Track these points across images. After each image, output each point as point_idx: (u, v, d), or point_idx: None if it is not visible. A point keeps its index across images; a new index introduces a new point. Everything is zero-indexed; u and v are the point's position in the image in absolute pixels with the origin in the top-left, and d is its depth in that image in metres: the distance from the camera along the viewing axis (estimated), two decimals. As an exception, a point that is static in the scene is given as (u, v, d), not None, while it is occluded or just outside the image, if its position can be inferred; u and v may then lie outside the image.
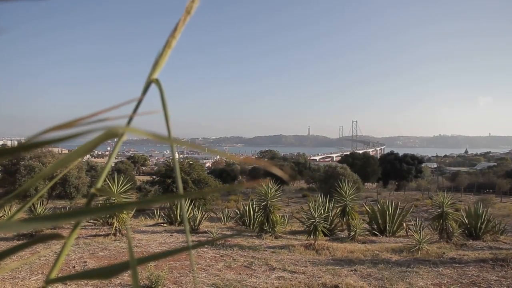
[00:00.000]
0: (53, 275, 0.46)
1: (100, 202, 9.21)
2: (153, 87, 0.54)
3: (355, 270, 6.43)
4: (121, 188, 9.33)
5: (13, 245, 0.45)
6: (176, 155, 0.50)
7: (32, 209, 11.47)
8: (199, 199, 27.94)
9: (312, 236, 8.54)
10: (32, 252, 6.93)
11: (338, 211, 10.60)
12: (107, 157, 0.57)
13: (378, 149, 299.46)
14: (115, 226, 8.90)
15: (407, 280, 5.77)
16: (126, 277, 5.70)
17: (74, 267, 6.41)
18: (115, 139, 0.48)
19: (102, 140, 0.43)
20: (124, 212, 8.98)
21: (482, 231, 9.97)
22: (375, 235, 11.05)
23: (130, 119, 0.51)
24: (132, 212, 10.15)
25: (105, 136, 0.42)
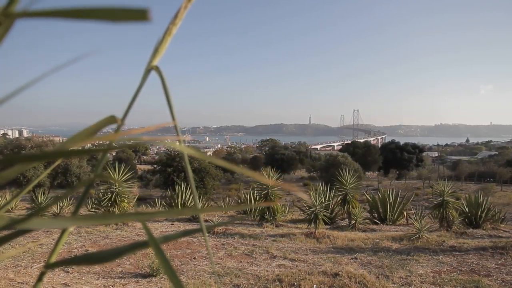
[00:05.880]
0: (53, 260, 0.46)
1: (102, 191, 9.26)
2: (153, 74, 0.53)
3: (356, 258, 6.46)
4: (122, 177, 9.34)
5: (13, 232, 0.44)
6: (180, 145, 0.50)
7: (34, 198, 11.54)
8: (200, 188, 28.02)
9: (312, 225, 8.58)
10: (34, 240, 6.98)
11: (339, 199, 10.63)
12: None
13: (379, 138, 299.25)
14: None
15: (407, 268, 5.80)
16: (127, 265, 5.75)
17: (76, 255, 6.45)
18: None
19: (102, 126, 0.43)
20: (126, 201, 9.01)
21: (482, 219, 10.01)
22: (376, 223, 11.10)
23: (129, 108, 0.51)
24: (134, 201, 10.19)
25: (105, 122, 0.42)
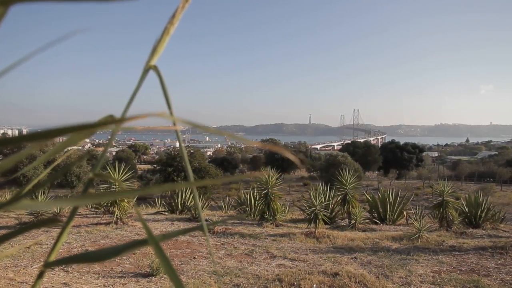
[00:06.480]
0: (52, 258, 0.46)
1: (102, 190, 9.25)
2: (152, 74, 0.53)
3: (356, 257, 6.47)
4: (122, 176, 9.34)
5: (14, 231, 0.45)
6: (180, 143, 0.50)
7: (34, 197, 11.54)
8: (200, 188, 28.03)
9: (312, 224, 8.57)
10: (34, 239, 6.98)
11: (338, 199, 10.62)
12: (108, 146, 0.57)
13: (379, 137, 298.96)
14: (116, 215, 8.93)
15: (407, 267, 5.80)
16: (127, 265, 5.75)
17: (75, 255, 6.45)
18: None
19: (101, 124, 0.43)
20: (126, 201, 9.01)
21: (482, 219, 10.00)
22: (376, 223, 11.10)
23: (127, 107, 0.51)
24: (134, 200, 10.18)
25: (104, 120, 0.42)
